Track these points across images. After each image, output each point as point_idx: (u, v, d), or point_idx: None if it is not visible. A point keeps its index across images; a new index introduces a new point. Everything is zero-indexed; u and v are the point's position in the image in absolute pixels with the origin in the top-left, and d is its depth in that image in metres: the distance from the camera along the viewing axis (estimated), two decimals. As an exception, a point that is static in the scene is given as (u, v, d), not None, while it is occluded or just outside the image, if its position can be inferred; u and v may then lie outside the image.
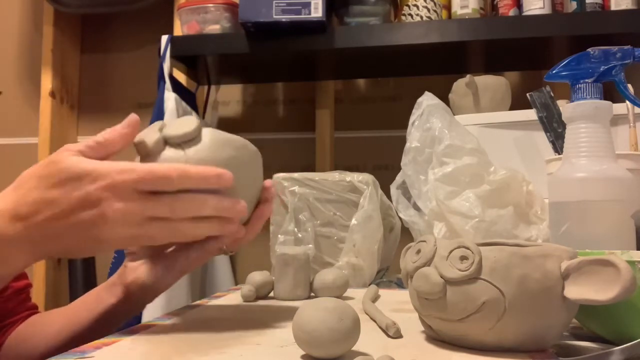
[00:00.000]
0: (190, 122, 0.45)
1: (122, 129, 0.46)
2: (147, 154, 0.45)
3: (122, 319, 0.56)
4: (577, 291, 0.35)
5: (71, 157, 0.43)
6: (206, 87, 1.53)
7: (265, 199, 0.50)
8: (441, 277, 0.37)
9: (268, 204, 0.50)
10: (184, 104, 1.28)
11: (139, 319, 1.13)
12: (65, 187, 0.42)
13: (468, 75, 1.18)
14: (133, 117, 0.46)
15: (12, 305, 0.63)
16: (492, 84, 1.18)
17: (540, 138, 0.89)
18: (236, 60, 1.38)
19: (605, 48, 0.60)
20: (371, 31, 1.24)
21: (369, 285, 0.73)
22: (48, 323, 0.60)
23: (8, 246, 0.43)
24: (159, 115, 1.23)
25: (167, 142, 0.45)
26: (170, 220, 0.43)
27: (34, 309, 0.66)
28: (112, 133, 0.45)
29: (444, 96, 0.98)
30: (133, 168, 0.42)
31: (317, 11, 1.18)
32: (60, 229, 0.42)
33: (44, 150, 1.57)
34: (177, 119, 0.49)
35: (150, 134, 0.45)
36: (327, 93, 1.54)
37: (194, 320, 0.50)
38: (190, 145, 0.44)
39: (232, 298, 0.63)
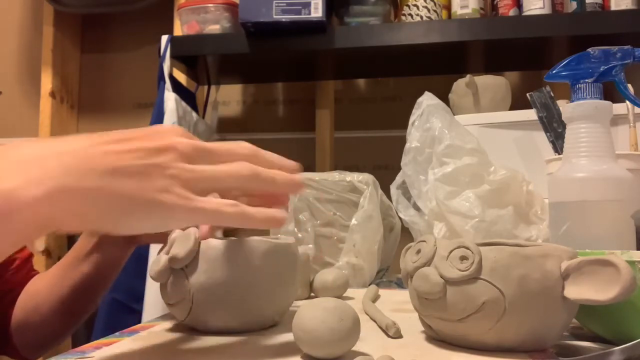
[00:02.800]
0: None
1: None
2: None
3: (104, 269, 0.60)
4: (577, 291, 0.35)
5: None
6: (206, 87, 1.53)
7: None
8: (441, 277, 0.37)
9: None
10: (184, 104, 1.28)
11: (139, 319, 1.13)
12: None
13: (468, 75, 1.18)
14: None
15: (21, 276, 0.64)
16: (492, 84, 1.18)
17: (540, 138, 0.89)
18: (236, 60, 1.38)
19: (605, 48, 0.60)
20: (371, 31, 1.24)
21: (369, 285, 0.73)
22: (43, 283, 0.63)
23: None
24: (159, 115, 1.23)
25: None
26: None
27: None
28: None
29: (444, 96, 0.98)
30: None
31: (317, 11, 1.18)
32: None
33: (44, 150, 1.57)
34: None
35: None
36: (327, 93, 1.54)
37: (194, 320, 0.50)
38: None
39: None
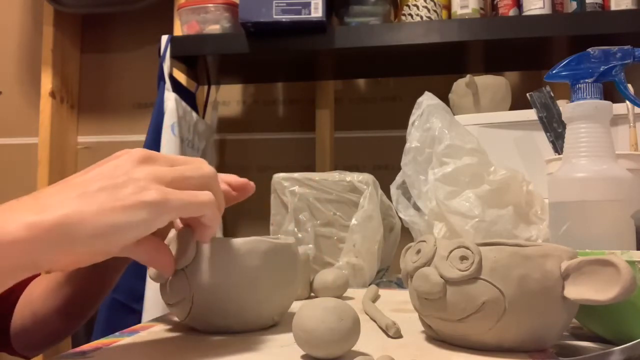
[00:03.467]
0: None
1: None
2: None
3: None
4: (577, 291, 0.35)
5: None
6: (206, 87, 1.53)
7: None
8: (441, 277, 0.37)
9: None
10: (184, 104, 1.28)
11: (139, 319, 1.13)
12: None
13: (468, 75, 1.18)
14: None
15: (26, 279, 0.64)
16: (492, 84, 1.18)
17: (540, 138, 0.89)
18: (236, 60, 1.38)
19: (605, 48, 0.60)
20: (371, 31, 1.24)
21: (369, 285, 0.73)
22: (41, 287, 0.62)
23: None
24: (159, 115, 1.23)
25: None
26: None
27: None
28: None
29: (444, 96, 0.98)
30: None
31: (317, 11, 1.18)
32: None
33: (44, 150, 1.57)
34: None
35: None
36: (327, 93, 1.54)
37: (194, 320, 0.50)
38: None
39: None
